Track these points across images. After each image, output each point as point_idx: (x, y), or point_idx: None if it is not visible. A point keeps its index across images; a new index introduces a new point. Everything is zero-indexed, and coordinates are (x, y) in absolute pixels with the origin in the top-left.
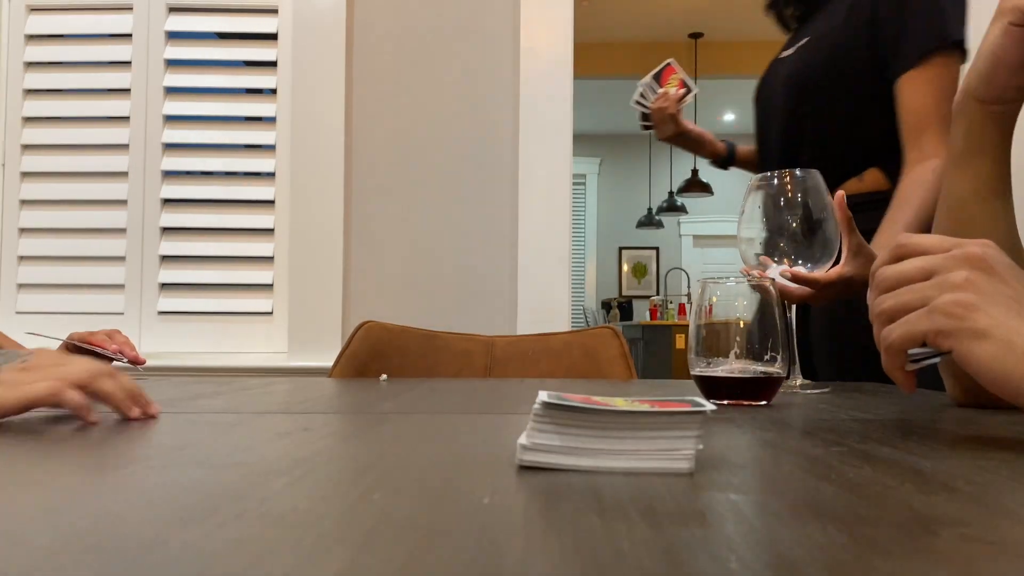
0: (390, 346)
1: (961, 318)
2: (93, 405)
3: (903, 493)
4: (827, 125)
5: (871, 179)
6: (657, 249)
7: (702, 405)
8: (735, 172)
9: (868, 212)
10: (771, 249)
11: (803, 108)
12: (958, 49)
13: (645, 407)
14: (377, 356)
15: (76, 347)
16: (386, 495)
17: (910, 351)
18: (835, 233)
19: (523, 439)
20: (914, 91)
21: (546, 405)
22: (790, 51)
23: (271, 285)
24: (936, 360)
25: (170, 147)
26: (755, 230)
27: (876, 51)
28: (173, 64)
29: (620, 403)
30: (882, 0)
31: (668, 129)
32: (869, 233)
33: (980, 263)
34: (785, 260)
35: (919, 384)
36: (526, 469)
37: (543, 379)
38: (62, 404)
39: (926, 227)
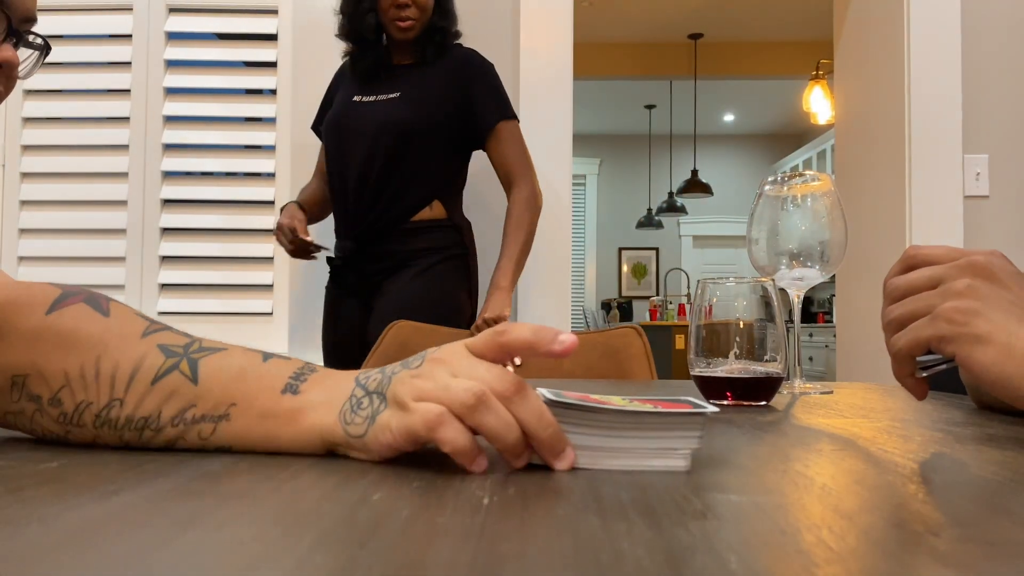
0: (420, 346)
1: (963, 324)
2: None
3: (904, 493)
4: (417, 165)
5: (437, 208)
6: (657, 250)
7: (703, 407)
8: (736, 172)
9: (434, 233)
10: (779, 251)
11: (402, 149)
12: (515, 119)
13: (648, 407)
14: (407, 355)
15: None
16: (386, 495)
17: (920, 359)
18: (843, 235)
19: None
20: (499, 149)
21: (549, 403)
22: (377, 97)
23: (271, 285)
24: (945, 367)
25: (170, 148)
26: (763, 232)
27: (463, 116)
28: (173, 65)
29: (618, 401)
30: (472, 82)
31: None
32: (433, 251)
33: (983, 271)
34: (793, 263)
35: (937, 387)
36: (526, 469)
37: (562, 379)
38: (439, 443)
39: (528, 246)
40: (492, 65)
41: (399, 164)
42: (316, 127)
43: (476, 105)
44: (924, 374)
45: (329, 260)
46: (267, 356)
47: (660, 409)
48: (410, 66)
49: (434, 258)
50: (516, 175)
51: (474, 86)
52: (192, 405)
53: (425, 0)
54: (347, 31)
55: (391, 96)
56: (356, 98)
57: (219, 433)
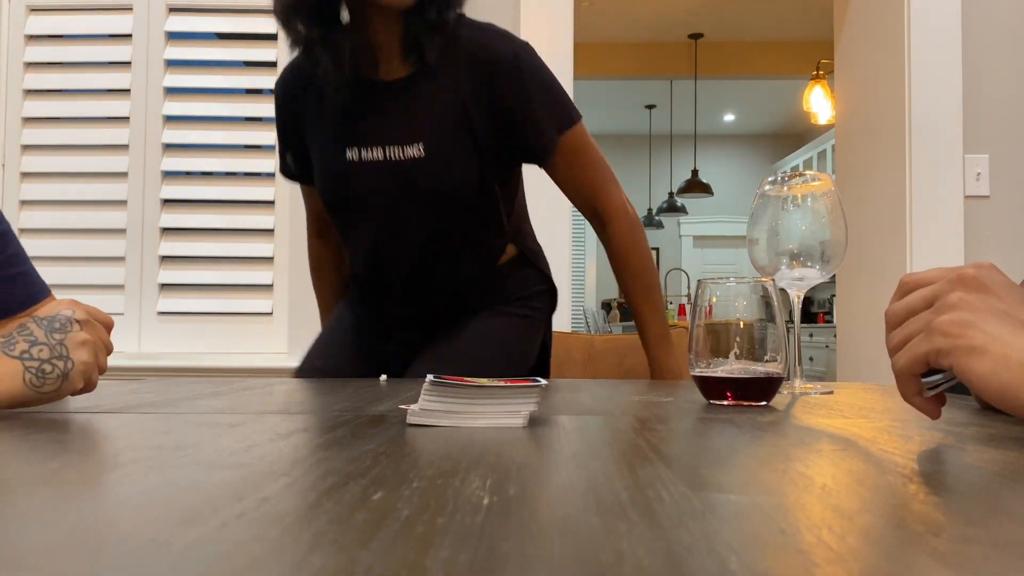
0: None
1: (957, 336)
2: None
3: (904, 493)
4: (471, 226)
5: (510, 252)
6: (657, 250)
7: (539, 382)
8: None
9: (520, 271)
10: (779, 251)
11: (448, 219)
12: (577, 119)
13: (499, 383)
14: None
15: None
16: (386, 495)
17: (926, 380)
18: (843, 235)
19: (415, 406)
20: (568, 173)
21: (431, 383)
22: (388, 156)
23: (271, 285)
24: (951, 383)
25: (170, 147)
26: (763, 232)
27: (513, 139)
28: (173, 64)
29: (483, 382)
30: (508, 97)
31: None
32: (515, 300)
33: (973, 283)
34: (793, 263)
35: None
36: (526, 469)
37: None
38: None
39: (656, 283)
40: (524, 50)
41: (448, 236)
42: (289, 174)
43: (523, 127)
44: (930, 393)
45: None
46: None
47: (505, 384)
48: (409, 81)
49: (516, 307)
50: (602, 198)
51: (513, 101)
52: None
53: None
54: (295, 10)
55: (411, 154)
56: (351, 155)
57: None
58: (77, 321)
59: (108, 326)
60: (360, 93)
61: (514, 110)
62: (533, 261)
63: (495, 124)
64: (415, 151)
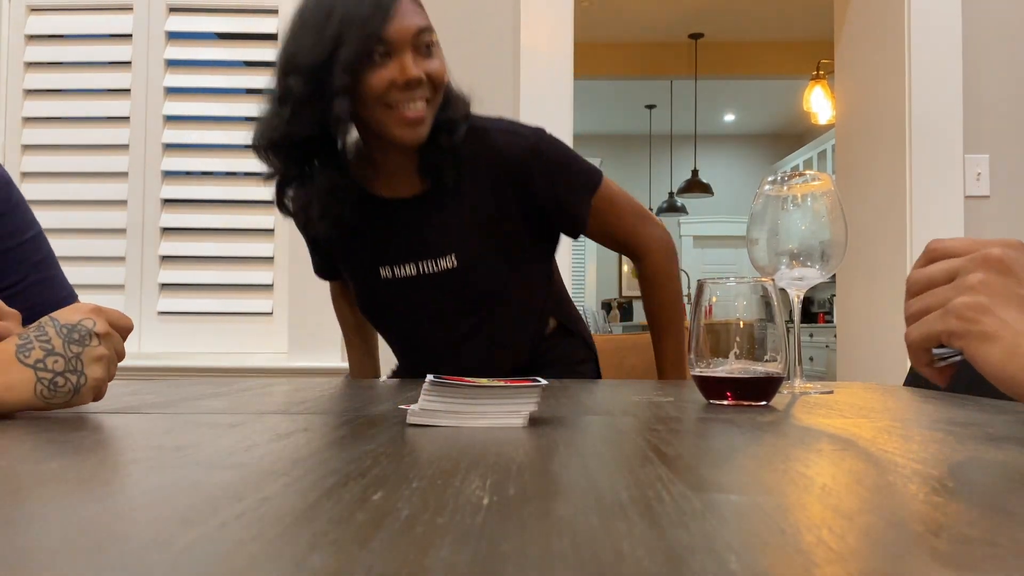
0: None
1: (972, 321)
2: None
3: (904, 493)
4: (505, 316)
5: (551, 324)
6: None
7: (539, 382)
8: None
9: (563, 340)
10: (779, 251)
11: (490, 319)
12: (601, 178)
13: (499, 383)
14: None
15: None
16: (386, 495)
17: (936, 351)
18: (843, 235)
19: (415, 406)
20: (602, 229)
21: (431, 383)
22: (421, 271)
23: (271, 285)
24: (959, 359)
25: (170, 147)
26: (763, 232)
27: (536, 233)
28: (173, 64)
29: (483, 382)
30: (536, 192)
31: None
32: (557, 363)
33: (997, 264)
34: (793, 262)
35: (961, 383)
36: (526, 469)
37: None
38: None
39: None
40: (538, 139)
41: (487, 325)
42: (323, 276)
43: (555, 212)
44: (941, 364)
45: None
46: None
47: (506, 384)
48: (430, 195)
49: (558, 368)
50: (637, 240)
51: (540, 192)
52: None
53: (441, 71)
54: (288, 139)
55: (444, 265)
56: (385, 273)
57: None
58: (96, 335)
59: (127, 331)
60: (382, 211)
61: (543, 200)
62: (575, 330)
63: (526, 219)
64: (448, 262)
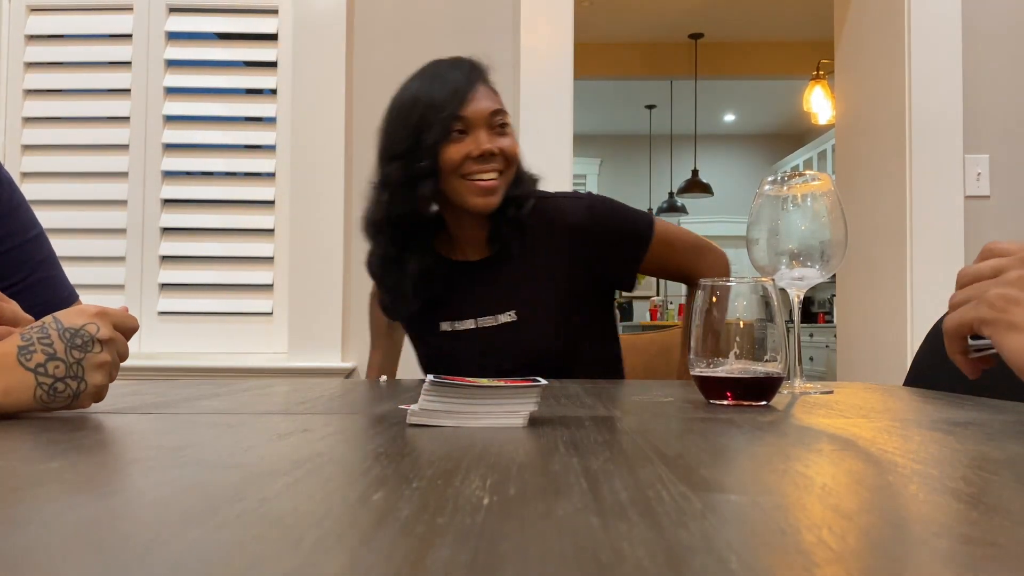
0: None
1: (1001, 310)
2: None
3: (904, 493)
4: (571, 364)
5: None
6: None
7: (539, 382)
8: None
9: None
10: (779, 251)
11: (546, 364)
12: (653, 223)
13: (499, 383)
14: None
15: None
16: (386, 495)
17: (971, 342)
18: (843, 235)
19: (415, 406)
20: (661, 267)
21: (432, 383)
22: (479, 325)
23: (271, 285)
24: (991, 352)
25: (170, 147)
26: (763, 232)
27: (595, 288)
28: (173, 64)
29: (483, 382)
30: (589, 253)
31: None
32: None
33: None
34: (793, 262)
35: (991, 382)
36: (526, 469)
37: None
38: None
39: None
40: (591, 199)
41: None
42: (388, 313)
43: (614, 268)
44: (976, 355)
45: None
46: None
47: (506, 384)
48: (494, 259)
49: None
50: (696, 272)
51: (598, 251)
52: None
53: (513, 147)
54: (388, 219)
55: (504, 320)
56: (446, 327)
57: None
58: (99, 341)
59: (132, 332)
60: (451, 273)
61: (602, 258)
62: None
63: (585, 277)
64: (507, 317)
